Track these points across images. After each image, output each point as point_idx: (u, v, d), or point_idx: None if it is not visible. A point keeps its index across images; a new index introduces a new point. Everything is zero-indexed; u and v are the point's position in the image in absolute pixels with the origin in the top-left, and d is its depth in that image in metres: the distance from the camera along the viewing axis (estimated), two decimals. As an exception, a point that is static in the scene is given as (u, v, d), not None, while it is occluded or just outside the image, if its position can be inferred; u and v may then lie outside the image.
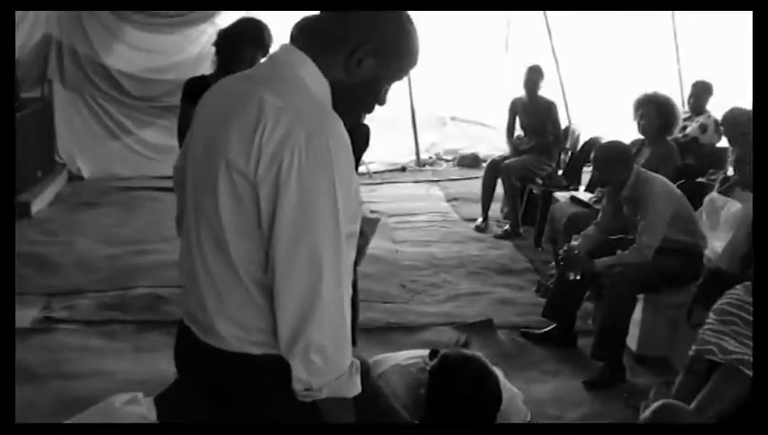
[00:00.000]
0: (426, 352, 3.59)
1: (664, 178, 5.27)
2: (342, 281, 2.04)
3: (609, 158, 5.23)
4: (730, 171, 6.40)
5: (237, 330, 2.11)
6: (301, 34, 2.19)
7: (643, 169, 5.25)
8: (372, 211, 8.39)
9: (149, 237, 7.19)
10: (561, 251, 5.38)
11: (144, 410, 3.80)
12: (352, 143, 2.09)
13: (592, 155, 5.45)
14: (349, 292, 2.08)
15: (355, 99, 2.21)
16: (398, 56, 2.18)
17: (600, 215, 5.55)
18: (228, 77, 2.31)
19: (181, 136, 4.72)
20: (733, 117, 6.69)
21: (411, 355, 3.64)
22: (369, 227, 3.84)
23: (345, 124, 2.08)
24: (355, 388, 2.11)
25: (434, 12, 10.45)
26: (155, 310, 5.68)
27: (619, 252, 5.11)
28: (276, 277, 1.99)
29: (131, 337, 5.33)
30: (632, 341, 5.21)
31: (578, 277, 5.17)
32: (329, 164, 1.96)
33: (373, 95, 2.23)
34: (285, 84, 2.08)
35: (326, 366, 2.00)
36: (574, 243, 5.35)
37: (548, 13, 11.66)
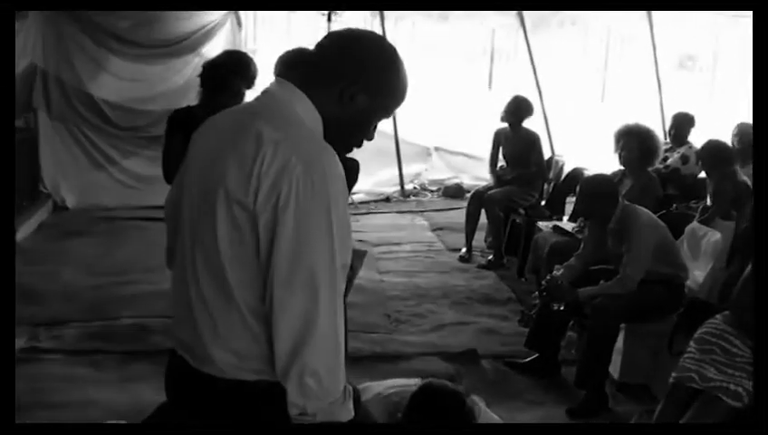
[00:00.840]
0: (408, 381, 3.64)
1: (648, 211, 5.33)
2: (337, 308, 2.08)
3: (595, 192, 5.28)
4: (708, 202, 6.46)
5: (233, 358, 2.15)
6: (291, 69, 2.26)
7: (628, 202, 5.31)
8: (360, 241, 8.44)
9: (135, 268, 7.18)
10: (544, 281, 5.42)
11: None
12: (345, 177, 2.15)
13: (578, 188, 5.49)
14: (342, 319, 2.12)
15: (346, 133, 2.27)
16: (388, 93, 2.25)
17: (582, 246, 5.60)
18: (224, 111, 2.35)
19: (166, 167, 4.75)
20: (710, 149, 6.76)
21: (393, 384, 3.68)
22: (357, 258, 3.88)
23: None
24: (348, 413, 2.16)
25: (420, 45, 10.58)
26: (140, 340, 5.68)
27: (602, 282, 5.16)
28: (274, 303, 2.04)
29: (116, 367, 5.32)
30: (614, 369, 5.25)
31: (561, 307, 5.21)
32: (325, 194, 2.03)
33: (363, 130, 2.30)
34: (281, 118, 2.13)
35: (320, 391, 2.04)
36: (557, 273, 5.40)
37: (531, 45, 11.77)
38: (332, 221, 2.04)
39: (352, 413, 2.18)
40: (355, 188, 10.20)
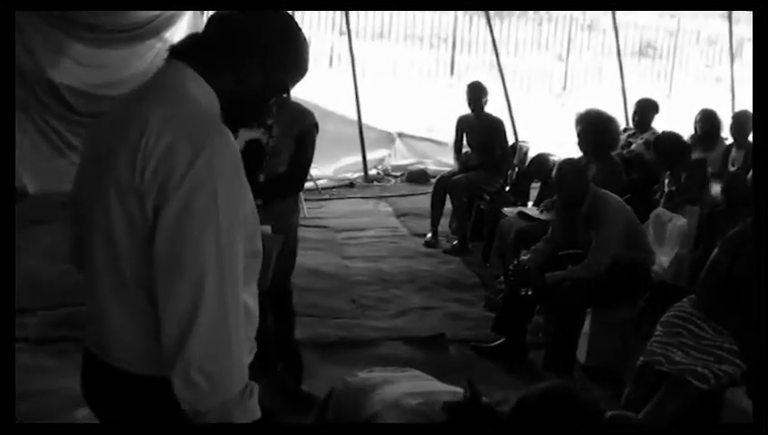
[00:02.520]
0: (428, 382, 3.25)
1: (617, 197, 5.36)
2: (227, 298, 1.94)
3: (569, 174, 5.31)
4: (669, 188, 6.48)
5: (155, 347, 1.99)
6: (187, 48, 2.15)
7: (599, 189, 5.33)
8: (323, 227, 8.44)
9: (97, 254, 7.09)
10: (511, 266, 5.43)
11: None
12: (243, 160, 2.05)
13: (553, 174, 5.49)
14: (239, 310, 1.99)
15: (245, 109, 2.19)
16: (286, 65, 2.17)
17: (549, 231, 5.62)
18: (119, 97, 2.27)
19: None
20: (669, 142, 6.73)
21: (413, 389, 3.05)
22: (273, 245, 3.72)
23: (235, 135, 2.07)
24: (250, 413, 2.03)
25: (381, 32, 10.57)
26: (105, 327, 5.60)
27: (570, 266, 5.18)
28: (158, 292, 1.93)
29: (81, 355, 5.24)
30: (581, 353, 5.28)
31: (529, 292, 5.23)
32: (211, 178, 1.92)
33: (261, 105, 2.22)
34: (170, 98, 2.04)
35: (210, 388, 1.92)
36: (524, 258, 5.41)
37: (495, 30, 11.79)
38: (219, 206, 1.92)
39: (257, 413, 2.04)
40: (319, 174, 10.25)
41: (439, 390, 3.08)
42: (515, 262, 5.38)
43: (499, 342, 5.53)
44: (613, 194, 5.35)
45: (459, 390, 2.94)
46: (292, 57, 2.17)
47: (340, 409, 3.18)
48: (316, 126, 4.54)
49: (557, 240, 5.52)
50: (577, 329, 5.04)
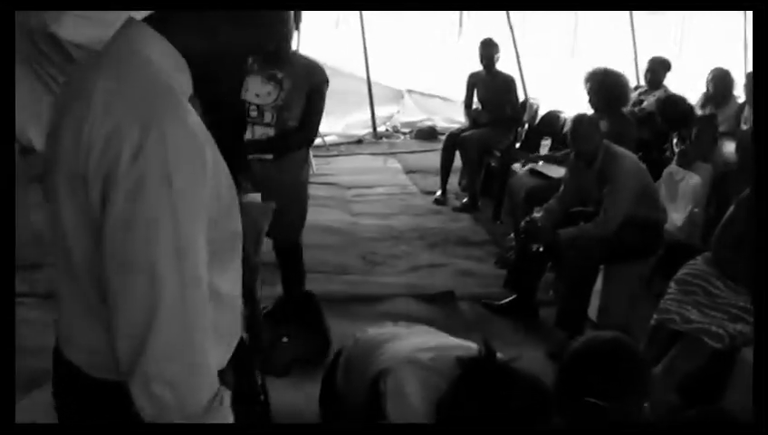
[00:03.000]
0: (439, 337, 3.19)
1: (631, 154, 5.31)
2: (187, 298, 1.68)
3: (585, 126, 5.29)
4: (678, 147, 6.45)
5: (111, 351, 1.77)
6: (154, 13, 1.92)
7: (613, 144, 5.27)
8: (331, 184, 8.42)
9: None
10: (523, 223, 5.39)
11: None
12: (223, 127, 1.89)
13: (568, 127, 5.45)
14: (204, 310, 1.74)
15: (217, 70, 1.92)
16: (258, 23, 1.89)
17: (561, 189, 5.57)
18: (76, 66, 2.07)
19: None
20: (673, 106, 6.70)
21: (423, 345, 2.99)
22: (261, 214, 3.61)
23: (212, 100, 1.90)
24: (221, 420, 1.79)
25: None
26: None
27: (582, 224, 5.14)
28: (109, 292, 1.68)
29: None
30: (592, 311, 5.25)
31: (541, 249, 5.20)
32: (163, 161, 1.64)
33: (235, 66, 1.96)
34: (122, 66, 1.77)
35: (175, 399, 1.68)
36: (536, 215, 5.37)
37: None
38: (175, 192, 1.64)
39: (229, 419, 1.80)
40: (327, 130, 10.19)
41: (452, 344, 3.05)
42: (527, 219, 5.34)
43: (510, 299, 5.50)
44: (628, 152, 5.30)
45: (471, 344, 2.93)
46: (265, 15, 1.90)
47: (349, 368, 3.16)
48: (327, 82, 4.53)
49: (569, 198, 5.47)
50: (589, 287, 5.01)
